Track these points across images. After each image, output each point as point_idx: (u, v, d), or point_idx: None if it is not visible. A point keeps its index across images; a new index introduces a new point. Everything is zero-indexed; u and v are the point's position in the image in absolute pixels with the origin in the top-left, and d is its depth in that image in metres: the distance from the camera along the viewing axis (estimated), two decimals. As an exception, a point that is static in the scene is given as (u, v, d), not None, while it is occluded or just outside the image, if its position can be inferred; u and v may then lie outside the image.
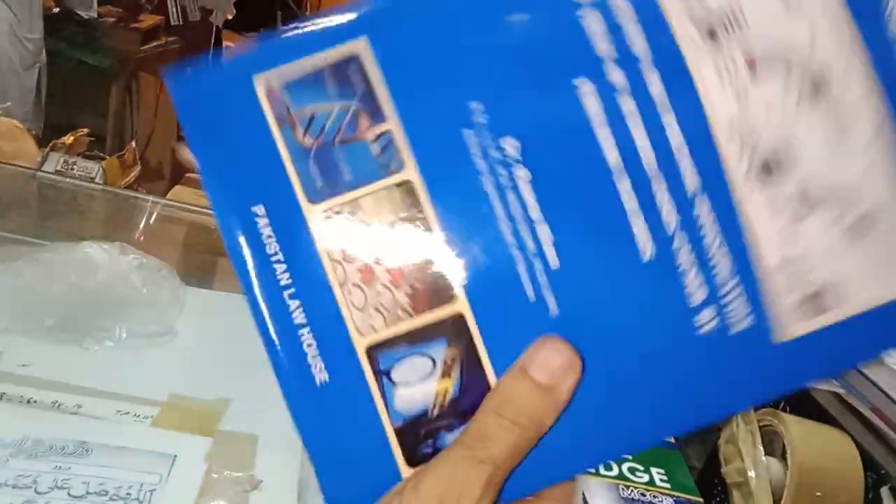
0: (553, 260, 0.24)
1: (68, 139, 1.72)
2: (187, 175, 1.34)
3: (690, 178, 0.23)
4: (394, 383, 0.24)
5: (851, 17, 0.23)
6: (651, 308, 0.24)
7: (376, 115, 0.24)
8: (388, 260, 0.24)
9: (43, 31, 1.85)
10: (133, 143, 1.88)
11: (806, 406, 0.61)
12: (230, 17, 2.62)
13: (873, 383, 0.53)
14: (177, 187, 1.25)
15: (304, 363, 0.25)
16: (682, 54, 0.23)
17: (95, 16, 2.08)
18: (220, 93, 0.24)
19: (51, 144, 1.68)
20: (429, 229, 0.24)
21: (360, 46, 0.24)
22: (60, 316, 0.59)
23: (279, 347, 0.25)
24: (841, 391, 0.55)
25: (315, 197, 0.24)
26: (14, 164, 1.40)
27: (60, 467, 0.43)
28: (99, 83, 2.13)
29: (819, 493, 0.50)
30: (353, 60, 0.24)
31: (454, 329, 0.24)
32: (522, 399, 0.24)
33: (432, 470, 0.23)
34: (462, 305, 0.24)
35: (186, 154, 0.25)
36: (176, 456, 0.46)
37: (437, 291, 0.24)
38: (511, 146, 0.24)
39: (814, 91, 0.23)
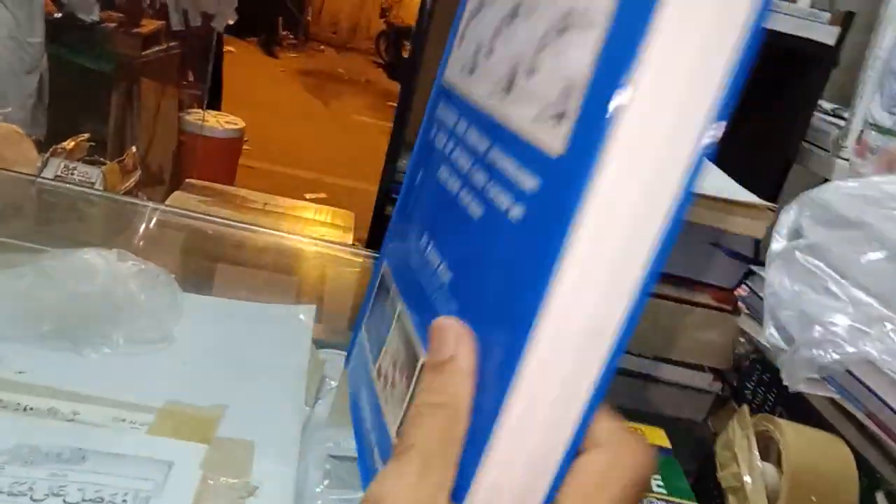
0: (448, 277, 0.30)
1: (69, 144, 1.73)
2: (187, 181, 1.35)
3: (479, 141, 0.30)
4: None
5: None
6: (497, 245, 0.26)
7: (390, 291, 0.37)
8: (398, 366, 0.33)
9: (44, 35, 1.85)
10: (133, 148, 1.88)
11: (801, 411, 0.61)
12: (231, 22, 2.63)
13: (868, 388, 0.53)
14: (176, 192, 1.24)
15: (375, 469, 0.32)
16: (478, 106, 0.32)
17: (97, 20, 2.09)
18: (353, 348, 0.42)
19: (51, 149, 1.68)
20: (406, 325, 0.33)
21: (384, 267, 0.40)
22: (58, 323, 0.59)
23: (364, 460, 0.34)
24: (836, 396, 0.55)
25: (374, 360, 0.36)
26: (13, 171, 1.41)
27: (56, 474, 0.43)
28: (100, 88, 2.13)
29: (814, 498, 0.50)
30: (382, 274, 0.40)
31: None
32: (431, 384, 0.25)
33: (373, 480, 0.24)
34: (422, 357, 0.30)
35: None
36: (172, 463, 0.46)
37: (414, 360, 0.30)
38: (424, 239, 0.34)
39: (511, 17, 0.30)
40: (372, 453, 0.33)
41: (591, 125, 0.21)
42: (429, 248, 0.33)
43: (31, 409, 0.48)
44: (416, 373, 0.30)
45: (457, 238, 0.30)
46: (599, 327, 0.22)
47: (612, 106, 0.21)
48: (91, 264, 0.64)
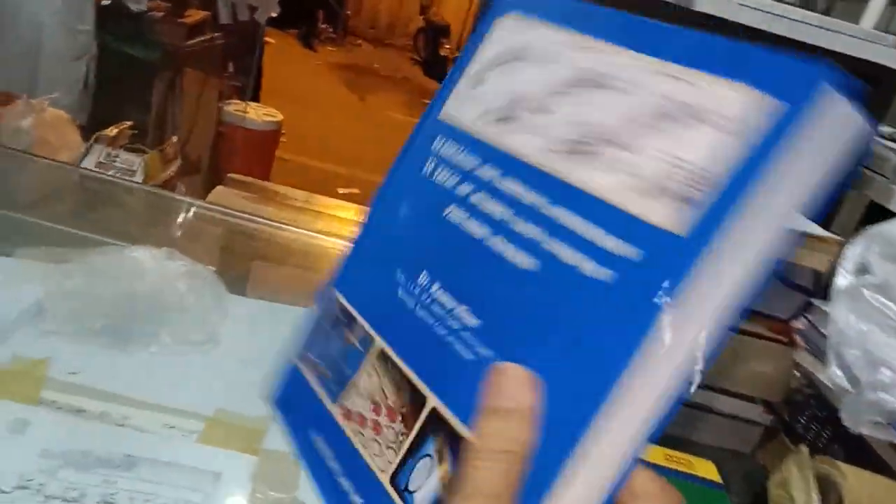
0: (473, 322, 0.30)
1: (112, 131, 1.74)
2: (228, 175, 1.35)
3: (527, 193, 0.30)
4: (411, 493, 0.29)
5: None
6: (566, 300, 0.27)
7: (352, 326, 0.36)
8: (384, 408, 0.32)
9: (94, 23, 1.87)
10: (174, 138, 1.90)
11: (859, 451, 0.60)
12: (275, 14, 2.64)
13: (935, 435, 0.51)
14: (219, 188, 1.24)
15: None
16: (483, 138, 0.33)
17: (145, 10, 2.10)
18: (286, 384, 0.39)
19: (94, 136, 1.70)
20: (398, 366, 0.32)
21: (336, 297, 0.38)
22: (108, 320, 0.59)
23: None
24: (900, 442, 0.53)
25: (335, 399, 0.35)
26: (57, 157, 1.42)
27: (107, 480, 0.43)
28: (143, 76, 2.15)
29: (874, 548, 0.49)
30: (337, 306, 0.38)
31: (434, 422, 0.29)
32: (491, 429, 0.26)
33: None
34: (433, 401, 0.30)
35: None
36: (221, 474, 0.46)
37: (415, 404, 0.30)
38: (423, 278, 0.33)
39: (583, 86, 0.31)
40: (348, 498, 0.33)
41: (718, 218, 0.24)
42: (434, 289, 0.33)
43: (84, 412, 0.48)
44: (424, 415, 0.30)
45: (488, 284, 0.31)
46: (664, 395, 0.24)
47: (740, 204, 0.24)
48: (141, 263, 0.64)
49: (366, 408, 0.33)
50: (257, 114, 2.64)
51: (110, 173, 1.63)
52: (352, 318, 0.37)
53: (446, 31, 6.83)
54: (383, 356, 0.34)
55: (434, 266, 0.34)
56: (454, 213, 0.33)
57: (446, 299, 0.32)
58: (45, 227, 0.83)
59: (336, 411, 0.35)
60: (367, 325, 0.36)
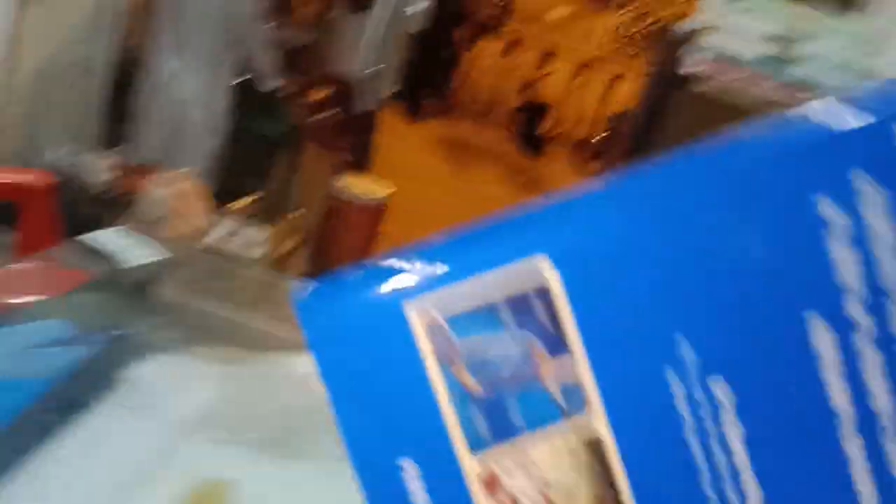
0: (753, 488, 0.21)
1: (238, 205, 1.80)
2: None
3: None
4: None
5: None
6: None
7: (560, 352, 0.22)
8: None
9: (229, 99, 1.96)
10: (295, 212, 1.95)
11: None
12: (389, 94, 2.72)
13: None
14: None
15: None
16: None
17: (277, 86, 2.20)
18: (363, 323, 0.22)
19: (222, 209, 1.76)
20: (615, 487, 0.22)
21: (548, 274, 0.21)
22: (270, 432, 0.58)
23: None
24: None
25: (477, 447, 0.22)
26: (186, 233, 1.47)
27: None
28: (269, 151, 2.23)
29: None
30: (540, 291, 0.21)
31: None
32: None
33: None
34: None
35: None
36: None
37: None
38: (721, 391, 0.21)
39: None
40: None
41: None
42: (725, 418, 0.21)
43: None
44: None
45: (807, 491, 0.21)
46: None
47: None
48: (305, 374, 0.63)
49: (532, 499, 0.22)
50: (368, 187, 2.70)
51: (236, 246, 1.67)
52: (561, 338, 0.21)
53: (543, 109, 6.92)
54: (595, 443, 0.21)
55: (746, 387, 0.21)
56: (818, 327, 0.21)
57: (742, 460, 0.21)
58: (192, 308, 0.84)
59: (471, 466, 0.22)
60: (588, 371, 0.21)
